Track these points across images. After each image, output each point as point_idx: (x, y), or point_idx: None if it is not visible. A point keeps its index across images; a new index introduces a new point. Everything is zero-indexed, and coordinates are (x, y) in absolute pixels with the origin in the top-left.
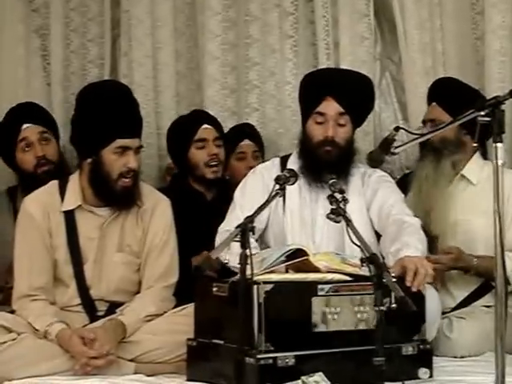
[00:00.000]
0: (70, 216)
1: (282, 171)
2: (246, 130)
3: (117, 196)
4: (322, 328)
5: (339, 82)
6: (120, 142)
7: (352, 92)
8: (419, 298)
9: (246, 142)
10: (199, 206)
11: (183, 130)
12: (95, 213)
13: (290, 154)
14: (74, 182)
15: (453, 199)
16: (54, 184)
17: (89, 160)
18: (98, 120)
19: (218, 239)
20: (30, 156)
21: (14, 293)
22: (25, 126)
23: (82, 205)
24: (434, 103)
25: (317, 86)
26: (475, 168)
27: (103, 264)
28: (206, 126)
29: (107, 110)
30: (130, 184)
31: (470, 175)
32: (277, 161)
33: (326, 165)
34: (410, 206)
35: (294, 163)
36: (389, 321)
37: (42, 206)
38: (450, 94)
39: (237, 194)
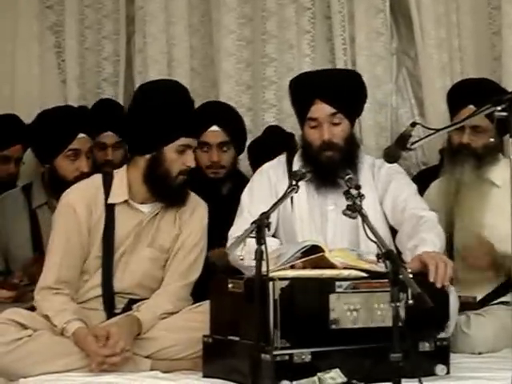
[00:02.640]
0: (110, 210)
1: (288, 170)
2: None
3: (173, 192)
4: (339, 325)
5: (324, 83)
6: (183, 140)
7: (339, 90)
8: (443, 296)
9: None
10: (214, 199)
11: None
12: (137, 209)
13: (295, 152)
14: (121, 176)
15: (482, 204)
16: (97, 178)
17: (147, 156)
18: (164, 117)
19: (229, 244)
20: (73, 167)
21: (39, 282)
22: (80, 135)
23: (127, 200)
24: (471, 106)
25: (303, 92)
26: (498, 169)
27: (131, 257)
28: (213, 128)
29: (173, 107)
30: (186, 182)
31: (495, 177)
32: (283, 158)
33: (330, 168)
34: (436, 203)
35: (299, 161)
36: (412, 318)
37: (85, 200)
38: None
39: (244, 196)
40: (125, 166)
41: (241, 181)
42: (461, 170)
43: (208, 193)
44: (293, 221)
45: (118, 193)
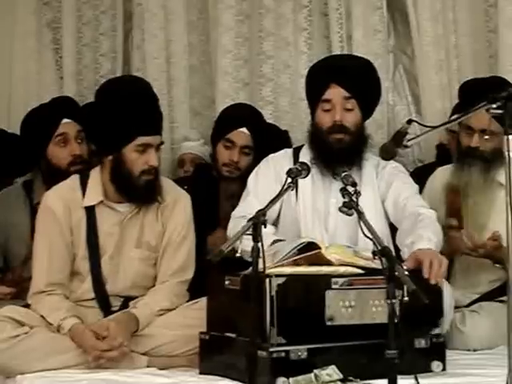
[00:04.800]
0: (90, 212)
1: (294, 162)
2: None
3: (139, 192)
4: (335, 321)
5: (341, 67)
6: (141, 139)
7: (355, 75)
8: (437, 292)
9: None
10: (218, 197)
11: (222, 122)
12: (115, 209)
13: (302, 146)
14: (96, 177)
15: (488, 206)
16: (75, 179)
17: (110, 157)
18: (118, 117)
19: (231, 225)
20: (65, 152)
21: (31, 288)
22: (64, 120)
23: (103, 201)
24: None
25: (320, 75)
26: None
27: (120, 259)
28: (242, 130)
29: (127, 106)
30: (152, 180)
31: (502, 178)
32: (289, 151)
33: (338, 153)
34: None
35: (305, 155)
36: (406, 315)
37: (63, 201)
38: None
39: (250, 181)
40: (98, 167)
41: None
42: (468, 172)
43: (216, 191)
44: (297, 210)
45: (93, 194)
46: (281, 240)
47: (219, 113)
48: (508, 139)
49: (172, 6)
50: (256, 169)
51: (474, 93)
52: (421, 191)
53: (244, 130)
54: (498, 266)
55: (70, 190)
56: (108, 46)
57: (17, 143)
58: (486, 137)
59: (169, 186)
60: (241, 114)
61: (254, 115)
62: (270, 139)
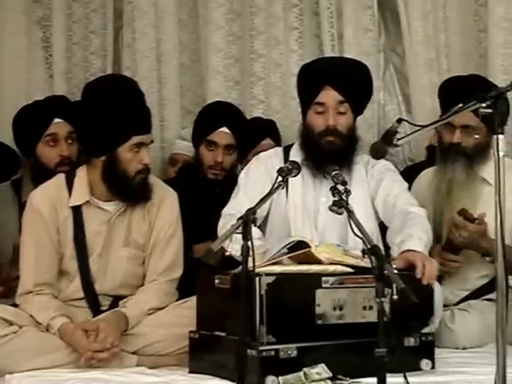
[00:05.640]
0: (77, 211)
1: (284, 161)
2: (268, 128)
3: (133, 191)
4: (326, 320)
5: (336, 71)
6: (136, 138)
7: (350, 79)
8: (428, 292)
9: (268, 141)
10: (208, 198)
11: (201, 124)
12: (102, 208)
13: (292, 144)
14: (82, 176)
15: (473, 202)
16: (60, 178)
17: (102, 158)
18: (112, 117)
19: (221, 223)
20: (54, 152)
21: (19, 289)
22: (56, 120)
23: (89, 200)
24: (461, 105)
25: (314, 77)
26: (490, 167)
27: (108, 258)
28: (223, 129)
29: (121, 106)
30: (145, 179)
31: (488, 176)
32: (279, 150)
33: (329, 155)
34: (424, 198)
35: (296, 154)
36: (396, 314)
37: (49, 201)
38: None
39: (241, 178)
40: (84, 166)
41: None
42: (452, 168)
43: (202, 192)
44: (287, 209)
45: (79, 193)
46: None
47: (197, 115)
48: (497, 139)
49: (163, 4)
50: (247, 166)
51: (453, 91)
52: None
53: (225, 129)
54: (487, 258)
55: (55, 189)
56: (98, 44)
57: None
58: (476, 136)
59: (155, 184)
60: (219, 114)
61: (232, 113)
62: (251, 135)
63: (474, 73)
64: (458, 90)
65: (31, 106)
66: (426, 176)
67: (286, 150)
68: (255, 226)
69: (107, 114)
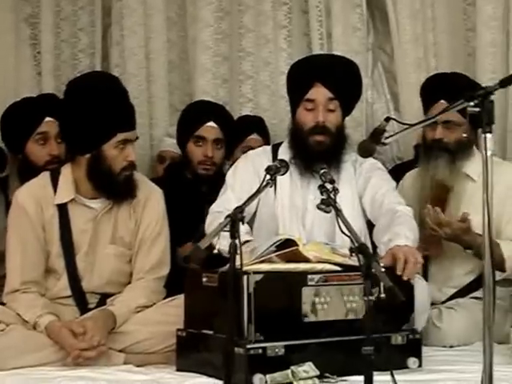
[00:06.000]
0: (63, 209)
1: (273, 159)
2: (255, 123)
3: (118, 188)
4: (311, 318)
5: (326, 68)
6: (121, 135)
7: (340, 76)
8: (408, 288)
9: (255, 136)
10: (193, 197)
11: (187, 121)
12: (88, 205)
13: (281, 143)
14: (67, 174)
15: (457, 198)
16: (45, 176)
17: (87, 155)
18: (96, 115)
19: (209, 220)
20: (43, 151)
21: (6, 287)
22: (47, 119)
23: (75, 198)
24: (442, 101)
25: (304, 74)
26: (473, 163)
27: (95, 256)
28: (210, 124)
29: (105, 103)
30: (131, 176)
31: (471, 172)
32: (268, 148)
33: (317, 155)
34: (409, 197)
35: (285, 153)
36: (378, 310)
37: (34, 198)
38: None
39: (228, 176)
40: (69, 164)
41: (222, 180)
42: (435, 165)
43: (187, 190)
44: (275, 207)
45: (64, 192)
46: (250, 241)
47: (180, 114)
48: (485, 138)
49: (151, 1)
50: (235, 165)
51: (435, 88)
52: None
53: (212, 123)
54: (468, 251)
55: (41, 187)
56: (87, 42)
57: None
58: (464, 135)
59: (141, 181)
60: (205, 109)
61: (217, 108)
62: (239, 131)
63: (456, 71)
64: (440, 87)
65: (22, 103)
66: (411, 175)
67: (275, 149)
68: (243, 224)
69: (91, 111)
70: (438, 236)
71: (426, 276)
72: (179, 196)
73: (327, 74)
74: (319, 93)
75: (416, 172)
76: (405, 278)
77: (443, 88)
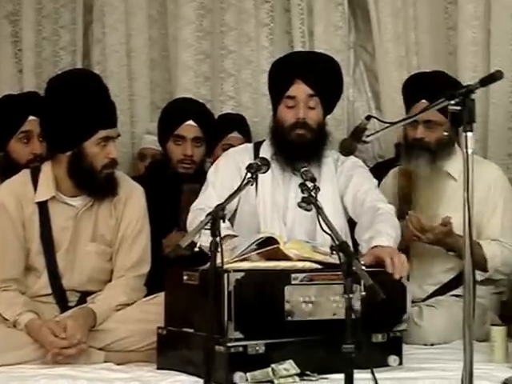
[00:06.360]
0: (43, 206)
1: (254, 157)
2: (236, 121)
3: (99, 186)
4: (295, 317)
5: (306, 65)
6: (102, 132)
7: (320, 73)
8: (401, 288)
9: (235, 134)
10: (174, 195)
11: (167, 120)
12: (69, 203)
13: (262, 141)
14: (47, 172)
15: (438, 196)
16: (25, 173)
17: (68, 153)
18: (78, 112)
19: (191, 217)
20: (26, 150)
21: None
22: (30, 118)
23: (55, 196)
24: (423, 101)
25: (285, 71)
26: (455, 162)
27: (76, 254)
28: (189, 122)
29: (85, 101)
30: (112, 173)
31: (452, 171)
32: (250, 146)
33: (298, 149)
34: (391, 195)
35: (266, 150)
36: (369, 311)
37: (14, 196)
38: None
39: (210, 174)
40: (49, 162)
41: (204, 178)
42: (416, 164)
43: (169, 189)
44: (256, 204)
45: (45, 189)
46: (234, 235)
47: (161, 113)
48: (466, 136)
49: None
50: (216, 162)
51: (416, 87)
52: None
53: (191, 122)
54: (451, 253)
55: (21, 184)
56: (68, 40)
57: None
58: (445, 133)
59: (122, 179)
60: (185, 108)
61: (197, 106)
62: (219, 128)
63: (438, 70)
64: (421, 87)
65: (4, 101)
66: (393, 174)
67: (257, 147)
68: (224, 222)
69: (72, 108)
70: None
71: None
72: (160, 194)
73: (307, 70)
74: (299, 90)
75: (398, 170)
76: (396, 277)
77: (424, 87)
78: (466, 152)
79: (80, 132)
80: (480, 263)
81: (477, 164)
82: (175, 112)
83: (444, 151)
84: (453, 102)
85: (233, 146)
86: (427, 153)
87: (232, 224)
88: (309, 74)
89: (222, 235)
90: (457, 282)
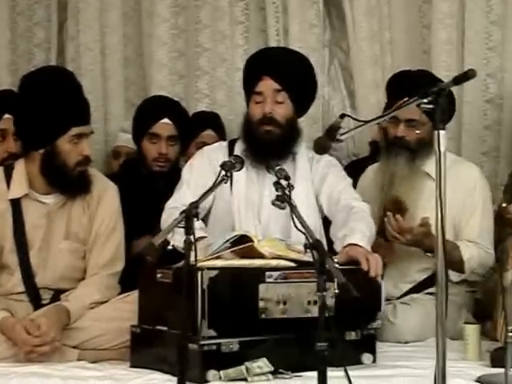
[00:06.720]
0: (16, 204)
1: (229, 155)
2: (209, 119)
3: (72, 183)
4: (269, 315)
5: (273, 60)
6: (75, 129)
7: (286, 68)
8: (376, 287)
9: (209, 132)
10: (149, 193)
11: (142, 118)
12: (42, 201)
13: (237, 138)
14: (20, 169)
15: (417, 196)
16: None
17: (41, 151)
18: (51, 109)
19: (165, 215)
20: (1, 148)
21: None
22: (6, 116)
23: (28, 193)
24: (406, 99)
25: (253, 67)
26: (433, 161)
27: (49, 251)
28: (164, 120)
29: (58, 98)
30: (85, 171)
31: (431, 171)
32: (224, 144)
33: (267, 145)
34: (369, 193)
35: (240, 148)
36: (344, 309)
37: None
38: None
39: (184, 171)
40: (23, 159)
41: (177, 177)
42: (395, 162)
43: (143, 187)
44: (231, 202)
45: (18, 187)
46: (204, 237)
47: (135, 111)
48: (439, 134)
49: None
50: (190, 160)
51: (400, 85)
52: (355, 185)
53: (166, 120)
54: (429, 254)
55: None
56: (42, 37)
57: None
58: (417, 131)
59: (95, 177)
60: (159, 106)
61: (172, 104)
62: (193, 126)
63: (411, 68)
64: (405, 85)
65: None
66: (371, 171)
67: (231, 144)
68: (197, 220)
69: (45, 105)
70: (391, 243)
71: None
72: (134, 192)
73: (273, 66)
74: (266, 85)
75: (376, 167)
76: (372, 275)
77: (408, 85)
78: (439, 150)
79: (52, 129)
80: (457, 264)
81: (457, 165)
82: (150, 110)
83: (424, 151)
84: (426, 100)
85: (206, 143)
86: (407, 152)
87: (206, 222)
88: (275, 69)
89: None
90: (431, 280)
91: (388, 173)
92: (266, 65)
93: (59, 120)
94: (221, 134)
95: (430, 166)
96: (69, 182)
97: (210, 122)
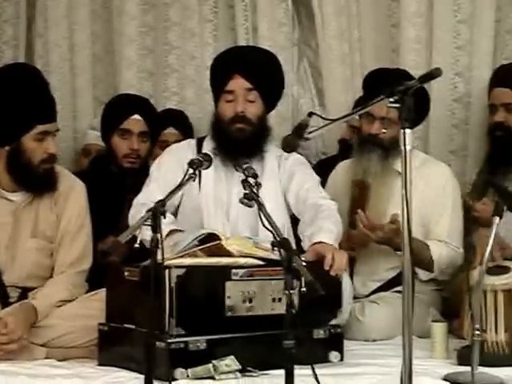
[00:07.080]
0: None
1: (197, 152)
2: (171, 117)
3: (38, 181)
4: (235, 312)
5: (244, 59)
6: (40, 127)
7: (257, 67)
8: (336, 284)
9: (171, 130)
10: (118, 190)
11: (112, 114)
12: (8, 198)
13: (205, 136)
14: None
15: (388, 194)
16: None
17: (6, 148)
18: (15, 107)
19: (133, 212)
20: None
21: None
22: None
23: None
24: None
25: (223, 66)
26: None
27: (16, 249)
28: (135, 117)
29: (23, 95)
30: (51, 168)
31: (399, 167)
32: (193, 142)
33: (239, 143)
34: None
35: (208, 145)
36: (305, 306)
37: None
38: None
39: (152, 169)
40: None
41: (146, 176)
42: (368, 158)
43: (111, 185)
44: (199, 200)
45: None
46: (179, 230)
47: (104, 107)
48: (405, 133)
49: None
50: (159, 158)
51: (376, 84)
52: (324, 183)
53: (137, 116)
54: (398, 253)
55: None
56: (11, 34)
57: None
58: (384, 130)
59: (62, 175)
60: (130, 102)
61: (142, 100)
62: (162, 123)
63: (380, 67)
64: (380, 82)
65: None
66: (342, 168)
67: (199, 142)
68: (164, 218)
69: (10, 102)
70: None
71: (351, 270)
72: (103, 189)
73: (245, 65)
74: (237, 84)
75: (348, 164)
76: (333, 273)
77: (383, 83)
78: (404, 149)
79: (17, 126)
80: (426, 263)
81: (428, 164)
82: (121, 106)
83: (396, 149)
84: (391, 99)
85: (168, 142)
86: (380, 149)
87: (176, 218)
88: (246, 68)
89: (167, 230)
90: (400, 279)
91: (361, 169)
92: (237, 63)
93: (24, 117)
94: (184, 132)
95: (399, 165)
96: (34, 180)
97: (171, 119)
